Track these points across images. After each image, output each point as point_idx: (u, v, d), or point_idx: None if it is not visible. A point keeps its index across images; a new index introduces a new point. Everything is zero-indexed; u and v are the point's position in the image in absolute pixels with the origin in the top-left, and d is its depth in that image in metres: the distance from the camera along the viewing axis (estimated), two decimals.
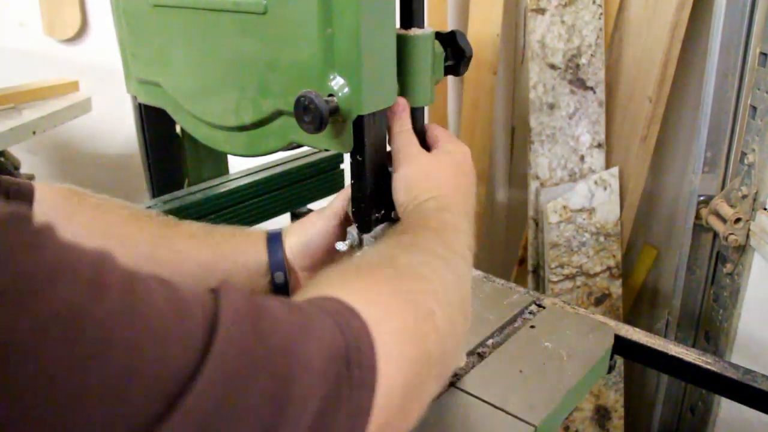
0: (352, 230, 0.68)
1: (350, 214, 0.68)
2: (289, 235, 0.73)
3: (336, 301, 0.39)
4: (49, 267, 0.27)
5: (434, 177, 0.63)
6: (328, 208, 0.73)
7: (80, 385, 0.26)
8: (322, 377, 0.34)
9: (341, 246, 0.69)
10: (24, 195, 0.65)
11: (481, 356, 0.77)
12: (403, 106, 0.65)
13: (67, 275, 0.27)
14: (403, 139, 0.65)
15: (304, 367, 0.33)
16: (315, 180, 1.15)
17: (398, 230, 0.58)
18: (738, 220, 1.20)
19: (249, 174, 1.07)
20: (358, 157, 0.63)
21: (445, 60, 0.69)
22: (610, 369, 0.83)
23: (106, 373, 0.26)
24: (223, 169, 1.11)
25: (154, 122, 0.98)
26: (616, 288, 1.49)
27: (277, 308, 0.36)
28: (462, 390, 0.71)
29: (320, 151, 1.09)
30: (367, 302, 0.40)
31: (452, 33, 0.68)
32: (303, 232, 0.72)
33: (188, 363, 0.29)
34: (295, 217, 1.24)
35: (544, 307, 0.88)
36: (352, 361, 0.36)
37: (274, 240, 0.72)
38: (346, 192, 0.72)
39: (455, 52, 0.69)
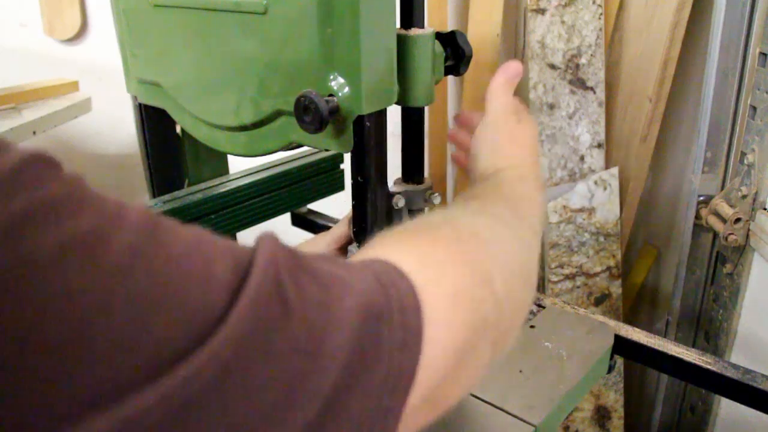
0: (353, 248, 0.69)
1: (352, 235, 0.69)
2: None
3: (384, 263, 0.38)
4: (75, 198, 0.28)
5: (518, 144, 0.62)
6: (331, 233, 0.74)
7: (101, 303, 0.26)
8: (357, 333, 0.32)
9: None
10: None
11: None
12: (517, 72, 0.66)
13: (93, 207, 0.28)
14: (500, 98, 0.65)
15: (339, 320, 0.32)
16: (315, 180, 1.14)
17: (468, 195, 0.55)
18: (738, 220, 1.20)
19: (249, 174, 1.07)
20: (359, 178, 0.64)
21: (445, 60, 0.69)
22: (610, 369, 0.83)
23: (127, 295, 0.27)
24: (223, 169, 1.11)
25: (154, 122, 0.97)
26: (616, 288, 1.49)
27: (320, 261, 0.35)
28: None
29: (320, 151, 1.09)
30: (419, 264, 0.39)
31: (452, 33, 0.68)
32: None
33: (215, 304, 0.28)
34: (295, 217, 1.24)
35: (544, 307, 0.88)
36: (395, 322, 0.34)
37: None
38: (348, 217, 0.73)
39: (455, 52, 0.69)
